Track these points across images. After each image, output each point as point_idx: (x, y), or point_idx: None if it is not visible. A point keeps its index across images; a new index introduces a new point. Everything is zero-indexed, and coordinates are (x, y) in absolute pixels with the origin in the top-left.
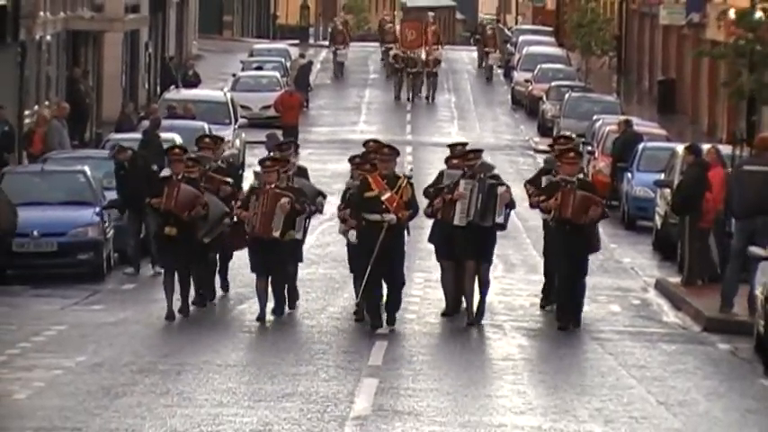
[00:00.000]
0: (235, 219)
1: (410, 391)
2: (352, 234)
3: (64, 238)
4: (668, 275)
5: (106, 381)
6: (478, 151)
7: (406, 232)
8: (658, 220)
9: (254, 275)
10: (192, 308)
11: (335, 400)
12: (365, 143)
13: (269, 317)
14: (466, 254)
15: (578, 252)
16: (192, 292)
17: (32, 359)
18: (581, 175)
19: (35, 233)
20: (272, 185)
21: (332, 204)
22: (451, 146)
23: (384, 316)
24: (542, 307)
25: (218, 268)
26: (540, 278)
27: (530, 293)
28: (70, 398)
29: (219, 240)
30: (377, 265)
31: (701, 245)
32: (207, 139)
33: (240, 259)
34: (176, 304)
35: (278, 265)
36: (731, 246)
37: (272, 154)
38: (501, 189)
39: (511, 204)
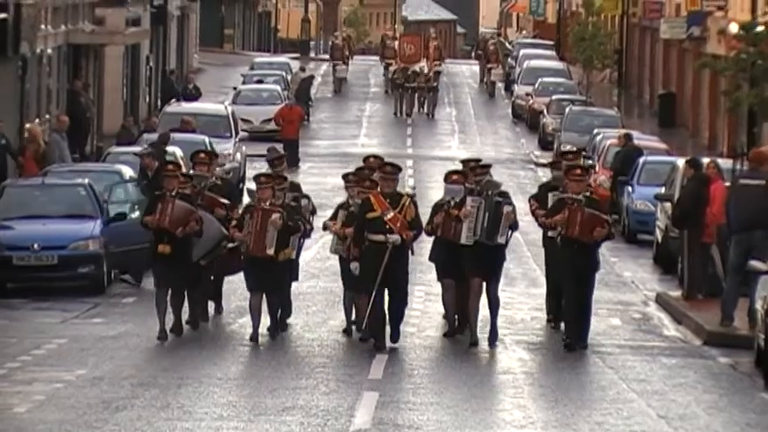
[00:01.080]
0: (232, 243)
1: (410, 404)
2: (355, 265)
3: (64, 252)
4: (669, 289)
5: (106, 394)
6: (486, 166)
7: (410, 252)
8: (659, 234)
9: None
10: (185, 327)
11: (336, 413)
12: (365, 159)
13: (262, 338)
14: (473, 272)
15: (585, 271)
16: (186, 312)
17: (32, 372)
18: (588, 193)
19: (36, 246)
20: (267, 202)
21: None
22: (464, 161)
23: (387, 335)
24: (553, 327)
25: (211, 292)
26: (540, 292)
27: (531, 307)
28: (70, 411)
29: (214, 263)
30: (381, 286)
31: (702, 259)
32: (202, 155)
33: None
34: (169, 324)
35: (274, 284)
36: (729, 260)
37: (266, 170)
38: (507, 209)
39: (514, 226)
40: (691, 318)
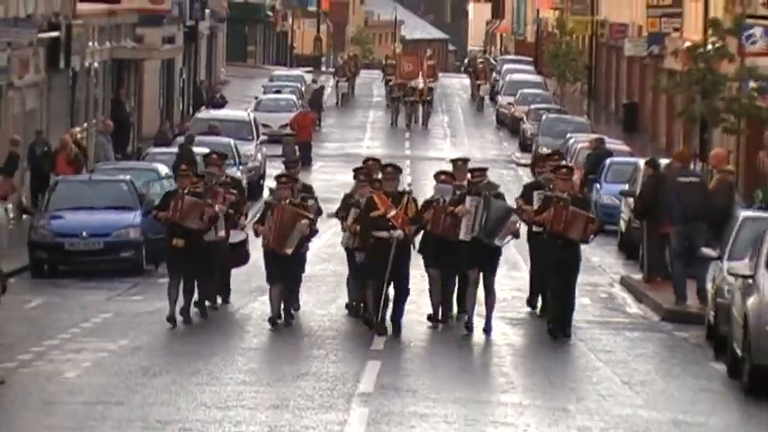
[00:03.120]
0: (242, 235)
1: (409, 371)
2: (361, 256)
3: (109, 238)
4: (631, 272)
5: (144, 362)
6: (483, 169)
7: (412, 246)
8: (623, 225)
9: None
10: (194, 313)
11: (343, 379)
12: (365, 161)
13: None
14: (471, 264)
15: (570, 265)
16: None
17: (81, 343)
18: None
19: (84, 234)
20: (287, 200)
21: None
22: (453, 161)
23: (390, 325)
24: (533, 307)
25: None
26: (520, 275)
27: (512, 288)
28: (113, 377)
29: (221, 256)
30: (387, 279)
31: (659, 247)
32: (214, 156)
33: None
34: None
35: (290, 275)
36: (672, 248)
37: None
38: (513, 218)
39: (516, 234)
40: (650, 297)
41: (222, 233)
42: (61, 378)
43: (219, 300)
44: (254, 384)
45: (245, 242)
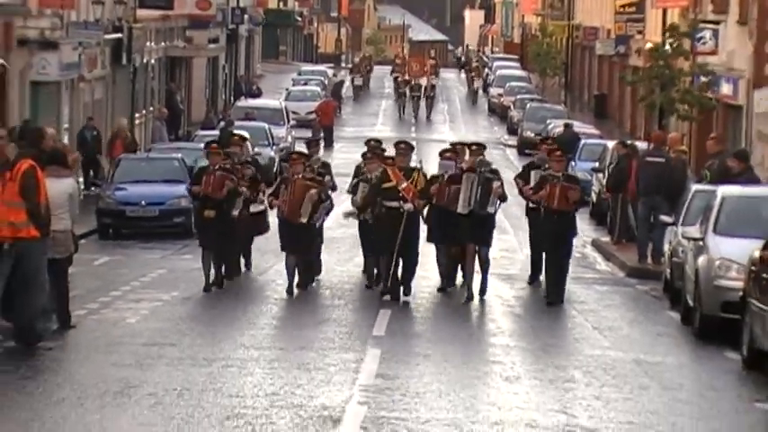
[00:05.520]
0: (261, 207)
1: (414, 319)
2: (369, 214)
3: (163, 207)
4: (601, 236)
5: (193, 310)
6: (482, 147)
7: (420, 217)
8: (594, 197)
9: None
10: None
11: (359, 325)
12: (366, 142)
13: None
14: (468, 238)
15: (564, 237)
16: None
17: (140, 294)
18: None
19: (143, 203)
20: (300, 175)
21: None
22: (453, 144)
23: (401, 288)
24: (530, 283)
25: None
26: (507, 237)
27: (500, 248)
28: (167, 322)
29: (243, 225)
30: (398, 247)
31: (625, 215)
32: (236, 137)
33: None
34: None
35: (304, 245)
36: (638, 215)
37: (298, 149)
38: (496, 184)
39: (503, 198)
40: (616, 257)
41: (237, 211)
42: (123, 323)
43: (243, 266)
44: (285, 329)
45: (264, 212)
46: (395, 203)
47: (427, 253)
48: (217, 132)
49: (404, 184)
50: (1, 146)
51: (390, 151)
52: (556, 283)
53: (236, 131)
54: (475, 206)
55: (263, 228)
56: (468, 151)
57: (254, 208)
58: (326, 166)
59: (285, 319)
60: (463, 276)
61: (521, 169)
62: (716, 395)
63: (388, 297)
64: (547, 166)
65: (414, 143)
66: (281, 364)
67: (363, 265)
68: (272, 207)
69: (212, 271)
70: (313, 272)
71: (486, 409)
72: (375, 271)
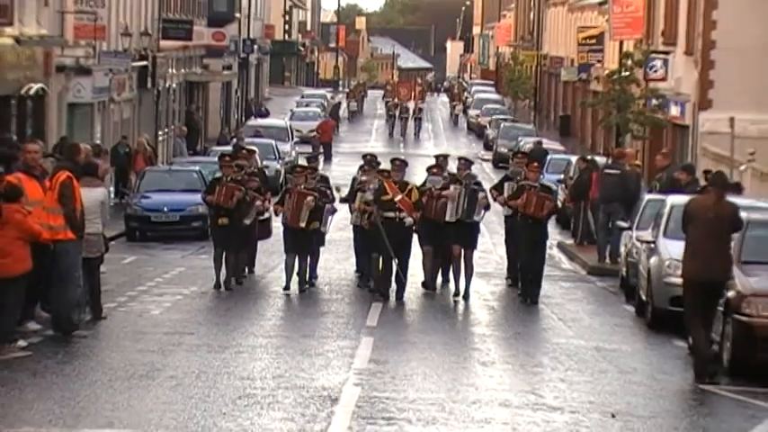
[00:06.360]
0: (267, 215)
1: (403, 312)
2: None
3: (183, 213)
4: (565, 239)
5: (210, 303)
6: (470, 162)
7: (413, 227)
8: (560, 204)
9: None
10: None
11: (355, 316)
12: (363, 156)
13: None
14: (455, 242)
15: (538, 241)
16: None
17: (163, 288)
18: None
19: (165, 209)
20: (301, 186)
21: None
22: (436, 156)
23: (395, 292)
24: (510, 285)
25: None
26: (483, 240)
27: (479, 250)
28: (187, 313)
29: (254, 232)
30: (392, 253)
31: (586, 220)
32: (244, 151)
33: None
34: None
35: (304, 248)
36: (599, 221)
37: (302, 163)
38: (481, 195)
39: (487, 207)
40: (579, 257)
41: (250, 220)
42: (148, 314)
43: (247, 270)
44: (289, 320)
45: (269, 220)
46: (391, 214)
47: (414, 256)
48: (230, 148)
49: (399, 197)
50: (36, 158)
51: (384, 165)
52: (533, 285)
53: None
54: (462, 215)
55: (266, 234)
56: (456, 163)
57: (260, 216)
58: (325, 179)
59: (289, 311)
60: (454, 276)
61: (496, 181)
62: (665, 378)
63: (378, 296)
64: (523, 175)
65: (402, 157)
66: (286, 350)
67: (356, 266)
68: (276, 214)
69: (223, 271)
70: (310, 275)
71: (465, 389)
72: (364, 272)
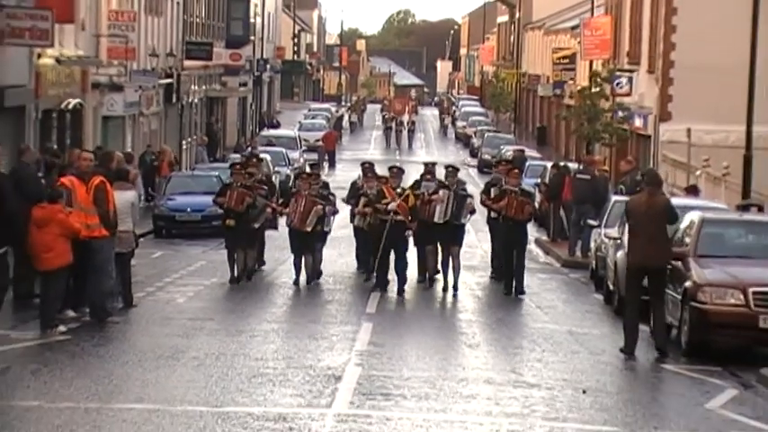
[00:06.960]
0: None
1: (399, 301)
2: (364, 222)
3: (204, 213)
4: (542, 235)
5: (228, 293)
6: (457, 170)
7: (410, 229)
8: (537, 205)
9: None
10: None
11: (356, 304)
12: (362, 164)
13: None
14: (444, 242)
15: (519, 241)
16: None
17: (186, 280)
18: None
19: (189, 210)
20: (307, 192)
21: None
22: (425, 163)
23: (395, 287)
24: (493, 278)
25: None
26: (468, 237)
27: (463, 245)
28: (208, 302)
29: (262, 234)
30: (389, 253)
31: (559, 219)
32: (254, 160)
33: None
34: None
35: (309, 247)
36: (571, 220)
37: (307, 171)
38: (468, 200)
39: (473, 211)
40: (554, 251)
41: (259, 224)
42: (174, 303)
43: (257, 265)
44: (297, 307)
45: (276, 216)
46: (388, 216)
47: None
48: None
49: (393, 205)
50: (89, 165)
51: (382, 171)
52: (517, 281)
53: (258, 154)
54: (451, 218)
55: (274, 226)
56: (444, 171)
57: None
58: (327, 185)
59: (297, 299)
60: (443, 271)
61: (483, 186)
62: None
63: (377, 289)
64: (504, 181)
65: (397, 164)
66: (294, 334)
67: (357, 263)
68: (281, 215)
69: (236, 267)
70: (316, 270)
71: (453, 369)
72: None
